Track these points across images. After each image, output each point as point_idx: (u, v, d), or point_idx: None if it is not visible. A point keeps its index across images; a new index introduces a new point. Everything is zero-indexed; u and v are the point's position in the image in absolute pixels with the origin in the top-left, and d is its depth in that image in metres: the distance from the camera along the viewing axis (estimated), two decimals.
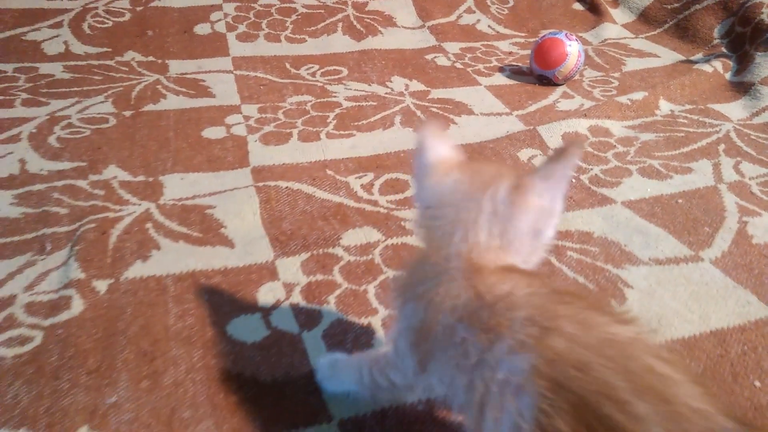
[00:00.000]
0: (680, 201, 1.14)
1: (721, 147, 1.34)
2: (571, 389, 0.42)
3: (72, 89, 1.42)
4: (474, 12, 2.03)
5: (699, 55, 1.81)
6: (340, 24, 1.88)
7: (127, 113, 1.35)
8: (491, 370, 0.47)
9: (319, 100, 1.48)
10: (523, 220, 0.54)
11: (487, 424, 0.47)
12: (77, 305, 0.82)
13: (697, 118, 1.47)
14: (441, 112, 1.45)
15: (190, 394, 0.71)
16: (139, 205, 1.05)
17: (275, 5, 1.91)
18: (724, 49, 1.79)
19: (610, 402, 0.41)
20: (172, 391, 0.71)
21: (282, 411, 0.70)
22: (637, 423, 0.40)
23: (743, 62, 1.69)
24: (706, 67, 1.67)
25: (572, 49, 1.59)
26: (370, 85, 1.58)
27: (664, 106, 1.52)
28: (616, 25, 2.02)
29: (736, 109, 1.51)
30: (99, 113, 1.34)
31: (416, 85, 1.59)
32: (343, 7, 1.95)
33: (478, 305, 0.50)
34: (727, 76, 1.67)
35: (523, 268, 0.54)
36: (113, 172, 1.14)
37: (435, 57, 1.76)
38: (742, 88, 1.60)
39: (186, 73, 1.55)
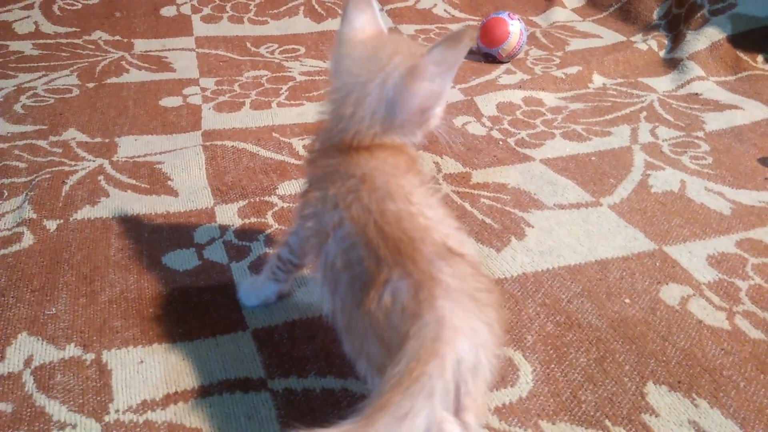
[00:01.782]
0: (593, 159, 1.24)
1: (643, 114, 1.44)
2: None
3: (40, 64, 1.52)
4: None
5: (639, 36, 1.92)
6: (302, 8, 1.98)
7: (90, 85, 1.44)
8: (325, 215, 0.61)
9: (274, 75, 1.57)
10: (412, 102, 0.62)
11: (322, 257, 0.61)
12: (28, 240, 0.92)
13: (626, 90, 1.58)
14: None
15: (123, 309, 0.80)
16: (94, 161, 1.14)
17: None
18: (661, 30, 1.90)
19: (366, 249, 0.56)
20: (106, 307, 0.81)
21: (205, 323, 0.79)
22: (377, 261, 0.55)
23: (677, 41, 1.79)
24: (642, 46, 1.78)
25: (514, 28, 1.70)
26: (324, 62, 1.67)
27: (597, 80, 1.63)
28: (566, 9, 2.13)
29: (664, 83, 1.62)
30: (64, 85, 1.43)
31: None
32: None
33: (335, 173, 0.62)
34: (661, 53, 1.78)
35: (401, 142, 0.65)
36: (72, 135, 1.23)
37: None
38: (672, 63, 1.70)
39: (150, 51, 1.65)
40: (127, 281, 0.85)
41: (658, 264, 0.94)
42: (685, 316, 0.84)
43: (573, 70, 1.62)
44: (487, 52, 1.74)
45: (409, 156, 0.67)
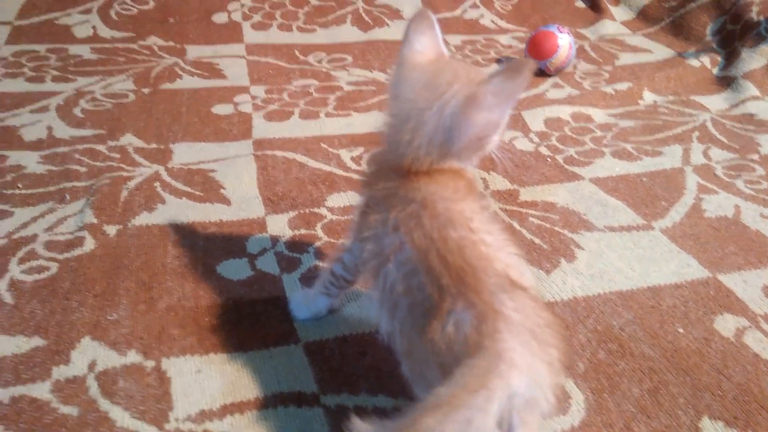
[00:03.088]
0: (644, 180, 1.23)
1: (695, 134, 1.42)
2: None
3: (97, 68, 1.56)
4: (478, 7, 2.13)
5: (691, 51, 1.89)
6: (350, 16, 2.00)
7: (146, 90, 1.48)
8: (385, 238, 0.62)
9: (322, 84, 1.59)
10: (469, 131, 0.62)
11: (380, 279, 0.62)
12: (89, 244, 0.95)
13: (678, 108, 1.55)
14: None
15: (180, 317, 0.83)
16: (150, 167, 1.17)
17: None
18: (714, 46, 1.86)
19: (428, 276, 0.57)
20: (164, 314, 0.83)
21: (257, 333, 0.81)
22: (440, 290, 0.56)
23: (731, 58, 1.76)
24: (694, 62, 1.75)
25: (563, 42, 1.68)
26: (372, 72, 1.69)
27: (648, 97, 1.60)
28: (615, 23, 2.10)
29: (716, 101, 1.59)
30: (120, 90, 1.47)
31: None
32: (354, 0, 2.06)
33: (395, 196, 0.63)
34: (714, 71, 1.74)
35: (458, 167, 0.65)
36: (129, 140, 1.27)
37: None
38: (725, 81, 1.67)
39: (202, 58, 1.68)
40: (184, 289, 0.88)
41: (712, 293, 0.92)
42: (741, 349, 0.82)
43: (623, 86, 1.60)
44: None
45: (467, 180, 0.67)
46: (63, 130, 1.28)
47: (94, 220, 1.00)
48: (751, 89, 1.60)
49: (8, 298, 0.84)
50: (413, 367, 0.59)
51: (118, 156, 1.20)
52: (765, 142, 1.38)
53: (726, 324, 0.86)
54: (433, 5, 2.10)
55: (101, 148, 1.22)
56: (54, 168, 1.14)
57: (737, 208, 1.14)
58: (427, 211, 0.61)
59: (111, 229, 0.99)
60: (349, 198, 1.12)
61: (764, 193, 1.19)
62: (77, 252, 0.93)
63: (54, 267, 0.90)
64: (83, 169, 1.14)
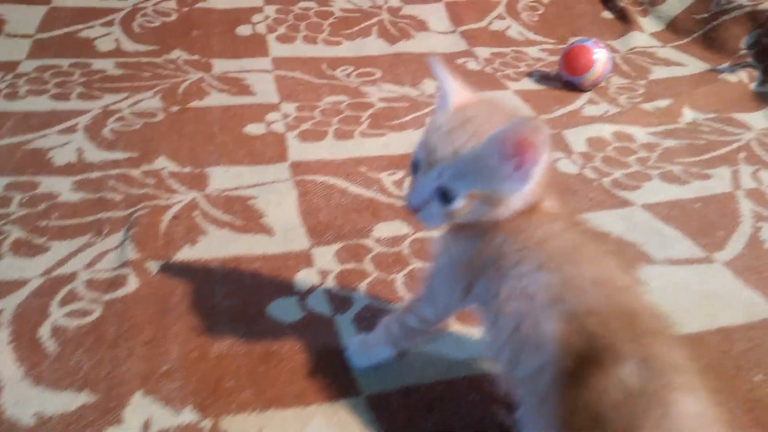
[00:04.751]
0: (697, 205, 1.19)
1: (742, 155, 1.38)
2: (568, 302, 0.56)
3: (123, 84, 1.52)
4: (505, 18, 2.09)
5: (725, 65, 1.84)
6: (375, 28, 1.95)
7: (174, 108, 1.44)
8: (517, 280, 0.59)
9: (353, 101, 1.55)
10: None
11: (501, 322, 0.60)
12: (132, 283, 0.91)
13: (720, 126, 1.51)
14: None
15: (234, 366, 0.79)
16: (187, 194, 1.13)
17: (313, 8, 1.99)
18: (750, 60, 1.81)
19: (592, 318, 0.55)
20: (217, 363, 0.79)
21: (315, 385, 0.77)
22: (609, 334, 0.54)
23: None
24: (731, 77, 1.71)
25: (600, 57, 1.64)
26: (402, 87, 1.64)
27: (688, 114, 1.56)
28: (645, 34, 2.06)
29: (758, 119, 1.55)
30: (148, 108, 1.43)
31: None
32: (378, 11, 2.02)
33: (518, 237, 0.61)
34: (752, 86, 1.70)
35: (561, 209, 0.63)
36: (163, 164, 1.22)
37: (465, 61, 1.82)
38: (765, 98, 1.63)
39: (228, 72, 1.64)
40: (235, 334, 0.83)
41: None
42: None
43: (663, 103, 1.56)
44: (569, 80, 1.69)
45: (555, 213, 0.64)
46: (94, 153, 1.23)
47: (136, 256, 0.96)
48: None
49: (51, 347, 0.80)
50: (543, 414, 0.56)
51: (153, 181, 1.16)
52: None
53: None
54: (459, 16, 2.06)
55: (135, 173, 1.18)
56: (89, 196, 1.10)
57: None
58: (552, 250, 0.59)
59: (154, 266, 0.94)
60: (396, 227, 1.08)
61: None
62: (121, 292, 0.89)
63: (98, 310, 0.86)
64: (119, 197, 1.10)
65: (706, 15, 2.02)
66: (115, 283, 0.91)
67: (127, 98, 1.46)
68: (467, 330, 0.84)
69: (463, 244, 0.65)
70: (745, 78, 1.71)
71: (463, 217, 0.60)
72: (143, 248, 0.97)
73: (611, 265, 0.60)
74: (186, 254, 0.98)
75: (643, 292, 0.59)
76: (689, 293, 0.95)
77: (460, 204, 0.59)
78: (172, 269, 0.94)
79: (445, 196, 0.59)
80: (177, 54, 1.70)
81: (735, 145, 1.42)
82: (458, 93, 0.63)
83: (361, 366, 0.79)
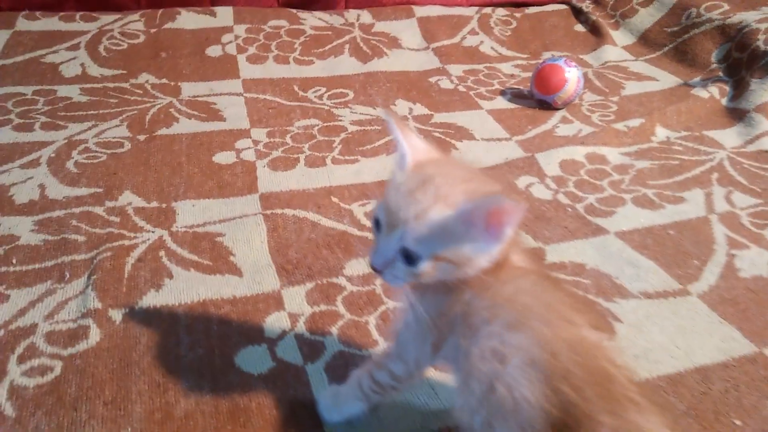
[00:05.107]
0: (671, 232, 1.18)
1: (714, 176, 1.38)
2: (542, 368, 0.54)
3: (89, 112, 1.48)
4: (477, 33, 2.08)
5: (697, 79, 1.85)
6: (347, 46, 1.93)
7: (142, 137, 1.40)
8: (488, 339, 0.57)
9: (325, 124, 1.52)
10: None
11: (473, 383, 0.58)
12: (94, 335, 0.87)
13: (692, 145, 1.51)
14: (443, 137, 1.50)
15: (200, 427, 0.76)
16: (153, 232, 1.10)
17: (284, 27, 1.96)
18: (721, 74, 1.83)
19: (567, 384, 0.53)
20: (183, 424, 0.76)
21: None
22: (585, 402, 0.52)
23: (739, 88, 1.72)
24: (703, 93, 1.71)
25: (571, 75, 1.64)
26: (375, 108, 1.62)
27: (660, 133, 1.56)
28: (617, 48, 2.06)
29: (730, 137, 1.55)
30: (114, 137, 1.39)
31: (420, 109, 1.63)
32: (350, 28, 2.00)
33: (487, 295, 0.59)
34: (723, 101, 1.71)
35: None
36: (128, 198, 1.19)
37: (439, 79, 1.81)
38: (737, 114, 1.64)
39: (198, 96, 1.60)
40: (202, 389, 0.80)
41: (762, 372, 0.88)
42: None
43: (635, 122, 1.56)
44: (542, 99, 1.68)
45: (523, 267, 0.62)
46: (56, 189, 1.19)
47: (98, 304, 0.92)
48: (765, 123, 1.57)
49: (9, 410, 0.76)
50: None
51: (117, 220, 1.12)
52: None
53: None
54: (431, 33, 2.04)
55: (99, 210, 1.14)
56: (50, 238, 1.06)
57: None
58: (521, 311, 0.57)
59: (117, 315, 0.91)
60: (367, 264, 1.06)
61: None
62: (82, 346, 0.85)
63: (58, 366, 0.82)
64: (82, 238, 1.07)
65: (676, 28, 2.04)
66: (76, 335, 0.87)
67: (92, 127, 1.42)
68: (441, 377, 0.82)
69: (428, 301, 0.63)
70: (716, 93, 1.72)
71: (429, 277, 0.59)
72: (106, 295, 0.94)
73: (584, 322, 0.59)
74: (151, 300, 0.94)
75: (617, 351, 0.57)
76: (665, 329, 0.94)
77: (424, 266, 0.57)
78: (136, 318, 0.91)
79: (409, 258, 0.57)
80: (145, 78, 1.66)
81: (708, 165, 1.42)
82: (416, 151, 0.61)
83: (333, 421, 0.77)
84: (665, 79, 1.89)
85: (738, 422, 0.80)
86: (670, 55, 2.01)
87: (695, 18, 2.00)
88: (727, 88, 1.75)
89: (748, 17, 1.88)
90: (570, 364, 0.54)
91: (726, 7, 1.97)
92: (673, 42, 2.02)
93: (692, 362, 0.89)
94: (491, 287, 0.59)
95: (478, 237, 0.56)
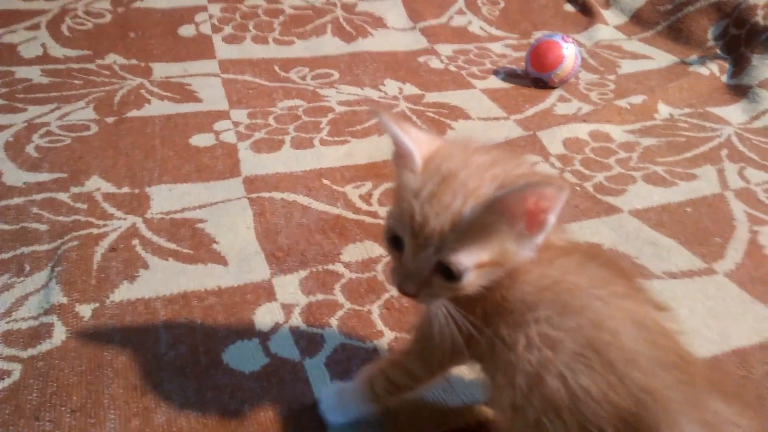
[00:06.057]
0: (688, 209, 1.11)
1: (724, 152, 1.31)
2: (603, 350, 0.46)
3: (51, 94, 1.35)
4: (465, 13, 1.99)
5: (693, 57, 1.79)
6: (330, 25, 1.83)
7: (110, 119, 1.28)
8: (536, 326, 0.48)
9: (310, 105, 1.42)
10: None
11: (519, 378, 0.49)
12: (59, 333, 0.76)
13: (697, 122, 1.44)
14: (438, 117, 1.41)
15: None
16: (125, 219, 0.99)
17: (261, 5, 1.85)
18: (718, 51, 1.76)
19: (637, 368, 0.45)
20: (164, 431, 0.65)
21: None
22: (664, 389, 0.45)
23: (739, 64, 1.66)
24: (703, 70, 1.65)
25: (569, 52, 1.56)
26: (362, 89, 1.53)
27: (663, 110, 1.49)
28: (609, 27, 1.99)
29: (735, 113, 1.49)
30: (80, 120, 1.27)
31: (410, 89, 1.54)
32: (332, 8, 1.89)
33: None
34: (724, 78, 1.65)
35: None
36: (96, 184, 1.07)
37: (428, 59, 1.72)
38: (740, 90, 1.57)
39: (171, 77, 1.49)
40: (186, 392, 0.70)
41: None
42: None
43: (637, 99, 1.49)
44: (538, 77, 1.60)
45: (567, 246, 0.53)
46: (15, 175, 1.07)
47: (64, 299, 0.81)
48: None
49: None
50: None
51: (84, 207, 1.00)
52: None
53: None
54: (417, 11, 1.95)
55: (63, 196, 1.03)
56: (8, 227, 0.94)
57: None
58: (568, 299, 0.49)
59: (85, 310, 0.80)
60: (367, 249, 0.96)
61: None
62: (45, 346, 0.74)
63: (17, 370, 0.71)
64: (44, 227, 0.95)
65: (670, 6, 1.97)
66: (38, 334, 0.76)
67: (55, 110, 1.30)
68: (458, 371, 0.72)
69: (463, 301, 0.53)
70: (716, 70, 1.65)
71: (473, 288, 0.49)
72: (72, 289, 0.82)
73: (645, 301, 0.50)
74: (124, 293, 0.83)
75: (682, 335, 0.48)
76: (695, 311, 0.86)
77: (469, 278, 0.48)
78: (107, 313, 0.80)
79: (447, 272, 0.48)
80: (112, 58, 1.54)
81: (716, 142, 1.35)
82: (421, 145, 0.51)
83: (338, 422, 0.67)
84: (661, 58, 1.82)
85: None
86: (664, 33, 1.94)
87: None
88: (726, 65, 1.69)
89: None
90: (638, 345, 0.46)
91: None
92: (667, 20, 1.95)
93: (729, 345, 0.81)
94: (535, 270, 0.50)
95: (521, 229, 0.47)
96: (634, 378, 0.44)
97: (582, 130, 1.36)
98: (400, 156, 0.51)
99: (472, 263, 0.47)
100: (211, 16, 1.77)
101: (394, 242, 0.51)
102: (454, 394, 0.72)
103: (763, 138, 1.38)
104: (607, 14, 2.07)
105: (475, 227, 0.47)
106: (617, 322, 0.46)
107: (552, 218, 0.47)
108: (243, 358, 0.75)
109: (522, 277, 0.50)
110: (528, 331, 0.48)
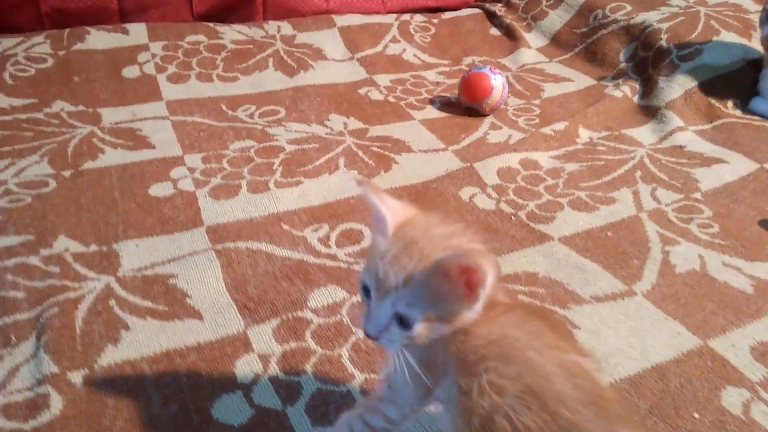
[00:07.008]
0: (609, 234, 1.25)
1: (638, 174, 1.47)
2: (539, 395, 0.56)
3: (3, 149, 1.37)
4: (399, 41, 2.10)
5: (608, 78, 1.96)
6: (271, 59, 1.90)
7: (67, 173, 1.32)
8: (485, 375, 0.59)
9: (261, 145, 1.49)
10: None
11: (474, 420, 0.58)
12: (56, 403, 0.82)
13: (614, 144, 1.60)
14: (382, 151, 1.51)
15: None
16: (98, 279, 1.04)
17: (203, 42, 1.90)
18: (630, 73, 1.94)
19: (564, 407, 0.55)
20: None
21: None
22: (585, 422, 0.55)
23: (648, 86, 1.84)
24: (616, 92, 1.81)
25: (497, 83, 1.69)
26: (309, 125, 1.61)
27: (584, 134, 1.64)
28: (531, 50, 2.14)
29: (646, 134, 1.66)
30: (37, 175, 1.30)
31: (354, 123, 1.63)
32: (272, 41, 1.96)
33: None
34: (635, 99, 1.82)
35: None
36: (64, 244, 1.12)
37: (368, 91, 1.81)
38: (649, 111, 1.75)
39: (120, 122, 1.53)
40: None
41: (709, 364, 0.95)
42: (753, 427, 0.85)
43: (560, 126, 1.63)
44: (470, 107, 1.73)
45: (508, 303, 0.65)
46: None
47: (55, 368, 0.86)
48: (675, 120, 1.68)
49: None
50: None
51: (57, 270, 1.05)
52: (702, 178, 1.45)
53: (731, 399, 0.89)
54: (354, 42, 2.04)
55: (35, 260, 1.07)
56: None
57: (701, 258, 1.18)
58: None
59: (76, 377, 0.86)
60: (331, 293, 1.05)
61: (718, 237, 1.25)
62: (45, 417, 0.80)
63: None
64: (21, 295, 0.99)
65: (585, 29, 2.14)
66: (36, 405, 0.81)
67: (10, 166, 1.32)
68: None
69: (419, 350, 0.64)
70: (628, 92, 1.83)
71: (424, 338, 0.60)
72: (61, 357, 0.88)
73: (571, 348, 0.62)
74: (110, 356, 0.90)
75: (602, 374, 0.61)
76: (619, 332, 1.00)
77: (419, 329, 0.59)
78: (98, 379, 0.86)
79: (403, 322, 0.59)
80: (60, 106, 1.56)
81: (631, 164, 1.51)
82: (395, 213, 0.63)
83: None
84: (580, 80, 1.98)
85: (696, 415, 0.86)
86: (581, 55, 2.11)
87: (602, 19, 2.11)
88: (637, 86, 1.87)
89: (650, 17, 2.01)
90: (565, 387, 0.57)
91: (629, 8, 2.09)
92: (584, 43, 2.12)
93: (649, 362, 0.95)
94: (483, 326, 0.61)
95: (461, 295, 0.58)
96: (562, 415, 0.55)
97: (513, 160, 1.49)
98: (377, 221, 0.63)
99: (420, 316, 0.59)
100: (153, 55, 1.81)
101: (365, 291, 0.63)
102: (421, 427, 0.82)
103: (671, 157, 1.55)
104: (529, 36, 2.22)
105: (423, 286, 0.58)
106: (549, 369, 0.58)
107: (483, 292, 0.58)
108: (230, 411, 0.83)
109: (474, 331, 0.61)
110: (480, 380, 0.59)
